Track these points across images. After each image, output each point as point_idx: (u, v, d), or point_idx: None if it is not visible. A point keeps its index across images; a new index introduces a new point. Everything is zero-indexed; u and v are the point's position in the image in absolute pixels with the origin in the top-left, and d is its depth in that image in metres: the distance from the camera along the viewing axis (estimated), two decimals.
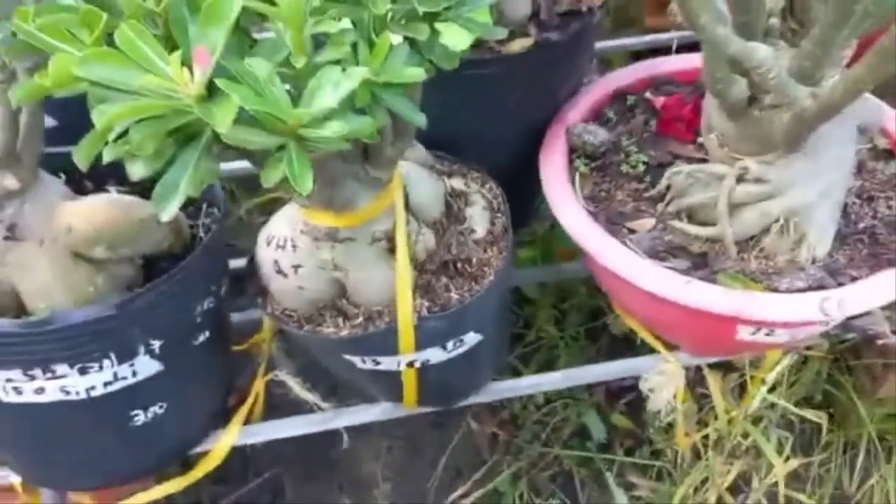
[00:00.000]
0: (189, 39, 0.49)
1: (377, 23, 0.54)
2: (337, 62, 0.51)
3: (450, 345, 0.80)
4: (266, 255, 0.78)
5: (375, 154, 0.67)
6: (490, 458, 1.27)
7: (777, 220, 0.76)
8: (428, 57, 0.57)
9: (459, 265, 0.79)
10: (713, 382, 1.01)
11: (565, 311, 1.35)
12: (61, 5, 0.52)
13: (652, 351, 0.97)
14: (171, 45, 0.50)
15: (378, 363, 0.80)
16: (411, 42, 0.56)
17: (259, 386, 0.94)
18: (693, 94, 0.91)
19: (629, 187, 0.88)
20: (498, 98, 0.90)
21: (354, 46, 0.53)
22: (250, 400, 0.93)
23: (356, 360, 0.80)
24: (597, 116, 0.96)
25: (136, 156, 0.52)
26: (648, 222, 0.83)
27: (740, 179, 0.75)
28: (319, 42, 0.53)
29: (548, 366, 1.28)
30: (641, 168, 0.89)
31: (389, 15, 0.55)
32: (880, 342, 1.04)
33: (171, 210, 0.52)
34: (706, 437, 1.09)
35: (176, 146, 0.53)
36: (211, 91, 0.49)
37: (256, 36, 0.57)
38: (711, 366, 1.02)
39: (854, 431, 1.24)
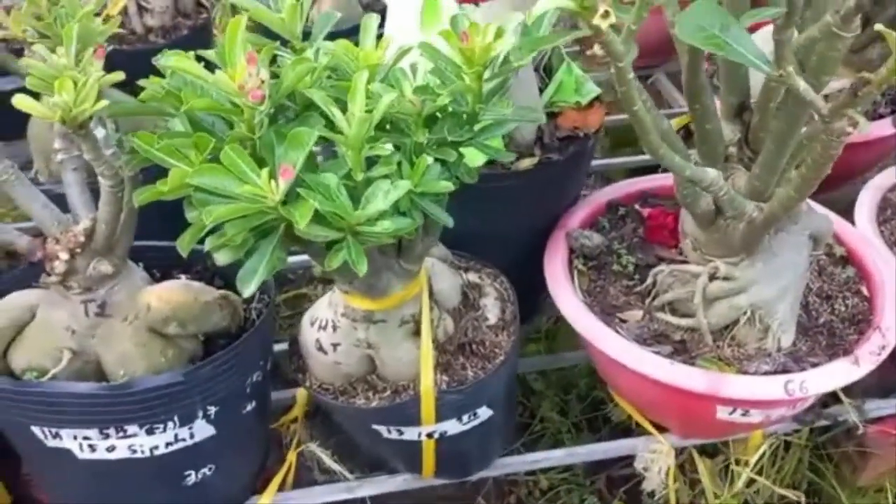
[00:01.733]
0: (275, 158, 0.65)
1: (416, 148, 0.70)
2: (386, 177, 0.67)
3: (465, 417, 0.91)
4: (309, 334, 0.91)
5: (408, 250, 0.81)
6: None
7: (745, 313, 0.89)
8: (455, 174, 0.73)
9: (474, 347, 0.92)
10: (701, 464, 1.11)
11: (568, 401, 1.45)
12: (178, 132, 0.67)
13: (647, 433, 1.07)
14: (260, 162, 0.66)
15: (402, 433, 0.92)
16: (442, 162, 0.71)
17: (292, 457, 1.05)
18: (675, 206, 1.06)
19: (621, 284, 1.01)
20: (509, 207, 1.04)
21: (399, 165, 0.69)
22: (284, 468, 1.04)
23: (383, 429, 0.92)
24: (593, 224, 1.11)
25: (225, 245, 0.67)
26: (637, 314, 0.97)
27: (712, 277, 0.89)
28: (372, 161, 0.68)
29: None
30: (631, 268, 1.03)
31: (426, 142, 0.70)
32: (857, 432, 1.16)
33: (252, 289, 0.67)
34: None
35: (255, 239, 0.68)
36: (288, 197, 0.64)
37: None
38: (700, 450, 1.12)
39: None
